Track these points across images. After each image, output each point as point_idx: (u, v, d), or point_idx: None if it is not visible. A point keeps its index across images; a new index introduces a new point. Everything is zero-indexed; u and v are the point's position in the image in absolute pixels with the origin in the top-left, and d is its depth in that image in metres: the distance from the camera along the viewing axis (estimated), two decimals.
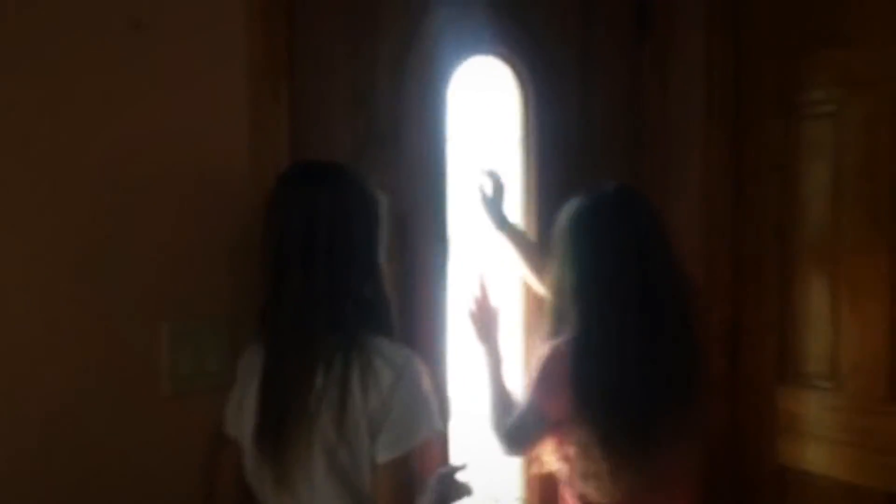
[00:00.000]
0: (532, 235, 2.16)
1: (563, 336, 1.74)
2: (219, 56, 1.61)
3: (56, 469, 1.46)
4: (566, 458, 1.76)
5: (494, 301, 1.98)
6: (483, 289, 1.98)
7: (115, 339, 1.51)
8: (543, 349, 1.76)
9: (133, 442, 1.53)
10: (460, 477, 1.61)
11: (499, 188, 2.04)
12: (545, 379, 1.74)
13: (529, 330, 2.19)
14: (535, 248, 2.08)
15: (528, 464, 2.11)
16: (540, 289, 2.06)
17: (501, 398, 1.88)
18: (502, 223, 2.05)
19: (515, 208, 2.18)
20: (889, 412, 2.02)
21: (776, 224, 2.23)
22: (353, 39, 1.83)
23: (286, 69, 1.70)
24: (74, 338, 1.47)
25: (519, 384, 1.99)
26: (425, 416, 1.43)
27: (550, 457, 1.83)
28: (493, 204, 2.04)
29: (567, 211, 1.79)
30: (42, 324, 1.44)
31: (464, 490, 1.61)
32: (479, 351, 1.95)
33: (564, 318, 1.75)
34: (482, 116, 2.12)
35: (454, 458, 2.02)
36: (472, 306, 1.97)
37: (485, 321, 1.96)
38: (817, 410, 2.16)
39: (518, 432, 1.81)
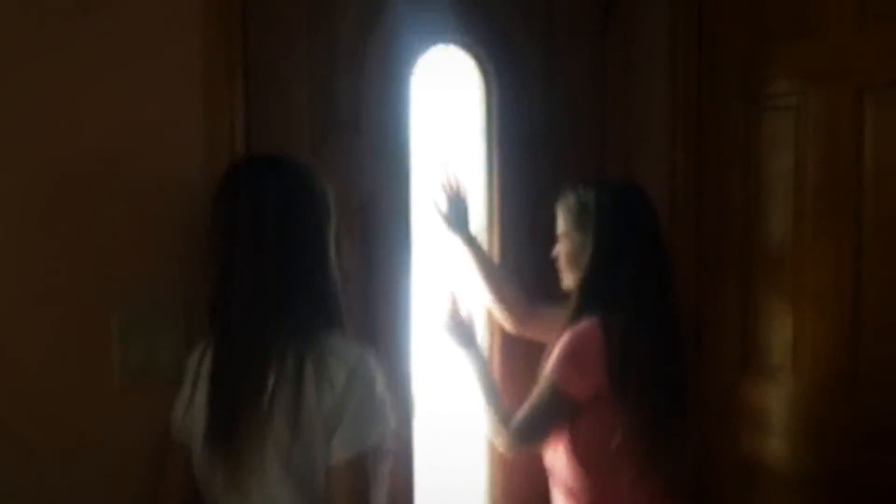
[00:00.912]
0: (491, 253, 2.15)
1: (589, 319, 1.75)
2: (172, 37, 1.56)
3: (2, 461, 1.41)
4: (578, 447, 1.76)
5: (467, 310, 1.98)
6: (454, 300, 1.97)
7: (64, 329, 1.46)
8: (571, 332, 1.76)
9: (83, 434, 1.48)
10: None
11: (461, 202, 2.02)
12: (576, 359, 1.74)
13: (495, 330, 2.17)
14: (496, 268, 2.09)
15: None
16: (496, 309, 2.07)
17: (496, 399, 1.86)
18: (467, 240, 2.03)
19: (477, 200, 2.15)
20: (847, 401, 2.03)
21: (739, 214, 2.23)
22: (312, 23, 1.79)
23: (241, 51, 1.65)
24: (20, 327, 1.42)
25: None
26: (379, 416, 1.40)
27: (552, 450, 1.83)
28: (457, 219, 2.02)
29: (595, 196, 1.81)
30: None
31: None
32: (461, 357, 1.94)
33: (590, 301, 1.77)
34: (445, 106, 2.10)
35: (418, 455, 1.99)
36: (447, 319, 1.96)
37: (461, 331, 1.95)
38: (778, 402, 2.17)
39: (533, 422, 1.79)
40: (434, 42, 2.03)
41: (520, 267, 2.15)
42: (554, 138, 2.24)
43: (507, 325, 2.08)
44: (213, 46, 1.59)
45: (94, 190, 1.48)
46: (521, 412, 1.79)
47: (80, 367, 1.48)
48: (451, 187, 2.01)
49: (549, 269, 2.16)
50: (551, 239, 2.12)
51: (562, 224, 1.87)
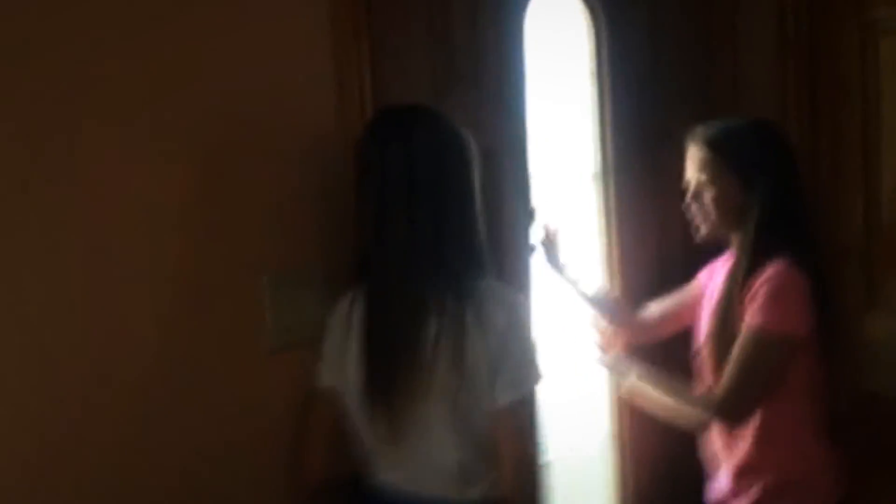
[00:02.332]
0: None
1: (776, 262, 1.68)
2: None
3: (155, 425, 1.42)
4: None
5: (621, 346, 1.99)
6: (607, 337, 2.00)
7: (216, 293, 1.48)
8: (769, 278, 1.67)
9: (235, 397, 1.50)
10: None
11: (555, 246, 1.94)
12: (787, 300, 1.66)
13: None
14: (604, 296, 2.05)
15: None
16: (616, 332, 2.01)
17: (682, 395, 1.77)
18: (568, 280, 1.97)
19: (589, 145, 2.13)
20: None
21: (858, 149, 2.16)
22: None
23: (365, 9, 1.64)
24: (175, 292, 1.43)
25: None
26: (536, 357, 1.42)
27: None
28: (554, 263, 1.95)
29: (755, 135, 1.76)
30: (141, 276, 1.40)
31: None
32: (633, 377, 1.86)
33: (768, 245, 1.71)
34: (555, 49, 2.06)
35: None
36: (604, 357, 1.99)
37: (620, 363, 1.94)
38: None
39: (752, 382, 1.67)
40: None
41: (633, 212, 2.15)
42: (662, 78, 2.19)
43: (631, 341, 2.02)
44: (340, 7, 1.58)
45: (235, 150, 1.49)
46: (730, 380, 1.67)
47: (230, 331, 1.50)
48: (550, 234, 1.94)
49: (661, 215, 2.17)
50: (665, 181, 2.11)
51: (706, 166, 1.75)
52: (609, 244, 2.14)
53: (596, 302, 2.01)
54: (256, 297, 1.52)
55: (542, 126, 2.01)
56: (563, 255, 1.95)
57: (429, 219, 1.38)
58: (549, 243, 1.93)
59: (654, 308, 2.02)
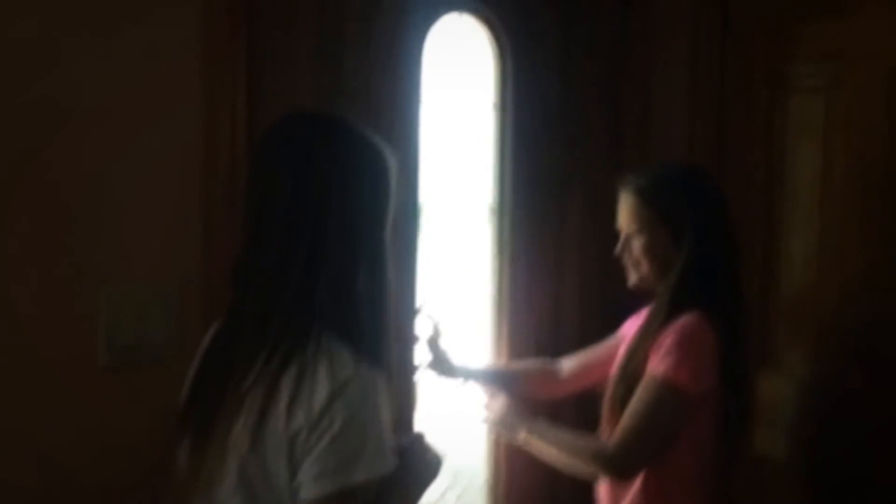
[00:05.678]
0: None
1: (690, 314, 1.62)
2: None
3: None
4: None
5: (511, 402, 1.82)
6: (496, 399, 1.82)
7: (49, 303, 1.37)
8: (679, 329, 1.61)
9: (66, 416, 1.39)
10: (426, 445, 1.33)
11: (439, 346, 1.82)
12: (693, 355, 1.59)
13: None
14: (506, 371, 1.97)
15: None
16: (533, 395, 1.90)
17: (576, 443, 1.68)
18: (464, 379, 1.86)
19: (488, 176, 2.05)
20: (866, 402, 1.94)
21: (762, 202, 2.14)
22: None
23: (245, 15, 1.54)
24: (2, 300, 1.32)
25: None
26: (366, 452, 1.11)
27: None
28: (442, 365, 1.82)
29: (685, 186, 1.70)
30: None
31: (435, 461, 1.32)
32: (522, 432, 1.74)
33: (688, 296, 1.64)
34: (457, 78, 1.99)
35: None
36: (492, 418, 1.82)
37: (509, 421, 1.78)
38: (795, 400, 2.08)
39: (649, 434, 1.59)
40: (447, 10, 1.92)
41: (530, 250, 2.07)
42: (569, 119, 2.14)
43: (545, 397, 1.93)
44: (215, 13, 1.49)
45: (83, 154, 1.39)
46: (623, 435, 1.60)
47: (63, 344, 1.39)
48: (430, 331, 1.81)
49: (557, 253, 2.11)
50: (566, 223, 2.04)
51: (637, 215, 1.70)
52: (500, 284, 2.05)
53: (504, 378, 1.91)
54: (94, 309, 1.41)
55: (439, 154, 1.93)
56: (448, 347, 1.82)
57: (305, 252, 1.14)
58: (434, 342, 1.81)
59: (571, 361, 1.93)
